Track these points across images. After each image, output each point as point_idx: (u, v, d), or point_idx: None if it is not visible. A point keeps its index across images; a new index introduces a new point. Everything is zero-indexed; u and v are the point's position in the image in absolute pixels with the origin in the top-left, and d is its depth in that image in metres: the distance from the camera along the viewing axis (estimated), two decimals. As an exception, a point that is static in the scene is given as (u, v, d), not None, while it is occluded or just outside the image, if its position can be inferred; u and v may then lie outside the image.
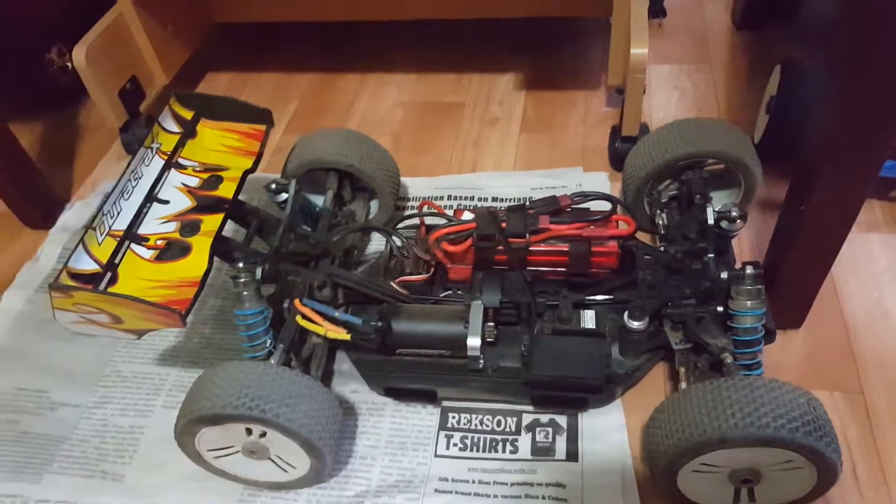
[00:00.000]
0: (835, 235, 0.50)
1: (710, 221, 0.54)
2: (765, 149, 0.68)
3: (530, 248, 0.55)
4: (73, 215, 0.78)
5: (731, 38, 0.88)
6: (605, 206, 0.56)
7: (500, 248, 0.55)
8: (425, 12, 0.86)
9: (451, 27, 0.96)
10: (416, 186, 0.74)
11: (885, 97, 0.40)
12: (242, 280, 0.49)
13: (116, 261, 0.49)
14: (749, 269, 0.48)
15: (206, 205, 0.53)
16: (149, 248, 0.50)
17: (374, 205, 0.67)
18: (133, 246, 0.50)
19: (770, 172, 0.60)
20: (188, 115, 0.60)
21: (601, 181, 0.73)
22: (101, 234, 0.51)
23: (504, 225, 0.55)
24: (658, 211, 0.61)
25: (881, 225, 0.65)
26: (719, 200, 0.60)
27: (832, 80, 0.45)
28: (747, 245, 0.65)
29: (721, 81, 0.82)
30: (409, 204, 0.73)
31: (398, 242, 0.57)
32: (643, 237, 0.60)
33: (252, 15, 0.93)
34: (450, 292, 0.56)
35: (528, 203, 0.57)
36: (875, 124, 0.42)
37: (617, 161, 0.73)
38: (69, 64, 0.87)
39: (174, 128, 0.59)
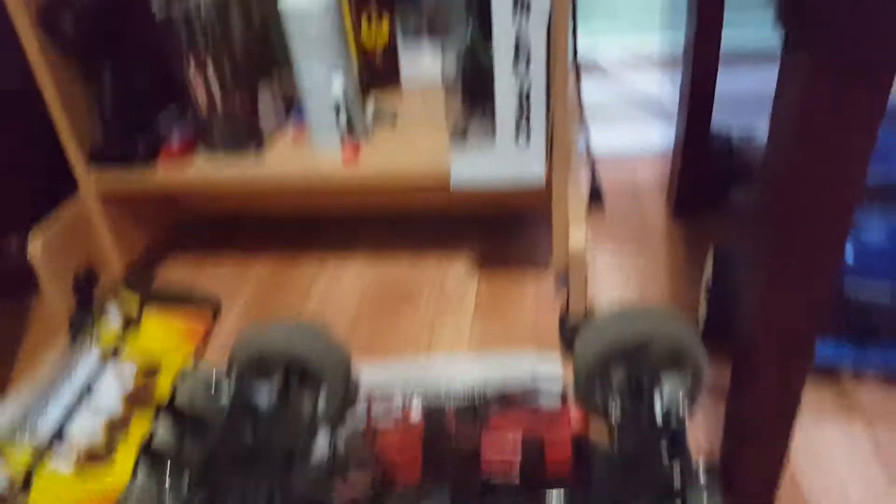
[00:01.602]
0: (782, 424, 0.48)
1: (659, 418, 0.52)
2: (709, 332, 0.69)
3: (480, 451, 0.52)
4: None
5: (669, 225, 0.92)
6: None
7: (449, 449, 0.52)
8: (382, 210, 0.89)
9: (407, 218, 0.99)
10: (370, 373, 0.72)
11: (800, 288, 0.41)
12: (168, 490, 0.45)
13: (31, 478, 0.44)
14: (703, 472, 0.45)
15: (137, 406, 0.50)
16: (69, 457, 0.46)
17: (323, 396, 0.64)
18: (53, 456, 0.46)
19: (719, 355, 0.60)
20: (134, 304, 0.58)
21: (554, 366, 0.71)
22: (21, 443, 0.46)
23: (454, 425, 0.52)
24: (609, 399, 0.59)
25: (835, 411, 0.64)
26: (670, 384, 0.58)
27: (752, 270, 0.45)
28: (703, 430, 0.63)
29: (663, 265, 0.85)
30: (361, 393, 0.70)
31: (342, 443, 0.54)
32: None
33: (215, 207, 0.96)
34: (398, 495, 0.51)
35: (478, 401, 0.55)
36: (793, 314, 0.42)
37: (568, 344, 0.73)
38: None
39: (117, 321, 0.58)
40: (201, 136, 0.80)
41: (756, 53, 0.97)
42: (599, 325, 0.62)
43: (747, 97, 1.01)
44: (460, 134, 0.70)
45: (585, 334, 0.64)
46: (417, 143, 0.79)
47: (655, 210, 0.95)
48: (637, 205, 0.96)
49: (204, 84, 0.76)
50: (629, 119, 1.06)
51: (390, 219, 1.00)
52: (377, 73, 0.91)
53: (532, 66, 0.62)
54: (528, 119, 0.65)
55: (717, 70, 0.78)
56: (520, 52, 0.61)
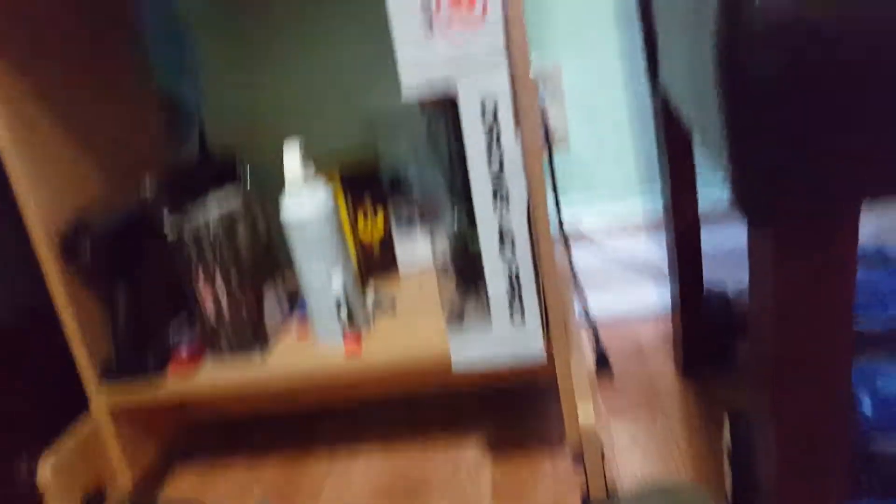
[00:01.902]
0: None
1: None
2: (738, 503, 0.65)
3: None
4: None
5: (679, 387, 0.90)
6: None
7: None
8: (388, 395, 0.89)
9: (414, 403, 0.98)
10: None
11: (811, 451, 0.40)
12: None
13: None
14: None
15: None
16: None
17: None
18: None
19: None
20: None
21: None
22: None
23: None
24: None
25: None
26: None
27: (759, 439, 0.44)
28: None
29: (679, 433, 0.82)
30: None
31: None
32: None
33: (227, 411, 0.96)
34: None
35: None
36: (810, 484, 0.40)
37: (593, 528, 0.69)
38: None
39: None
40: (209, 343, 0.83)
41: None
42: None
43: (737, 251, 1.04)
44: (456, 318, 0.72)
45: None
46: (417, 329, 0.81)
47: (664, 372, 0.94)
48: (645, 368, 0.95)
49: (212, 294, 0.79)
50: (624, 283, 1.08)
51: (397, 403, 0.99)
52: (375, 262, 0.95)
53: (517, 248, 0.65)
54: (520, 299, 0.67)
55: (699, 229, 0.81)
56: (504, 237, 0.65)
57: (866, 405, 0.62)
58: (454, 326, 0.71)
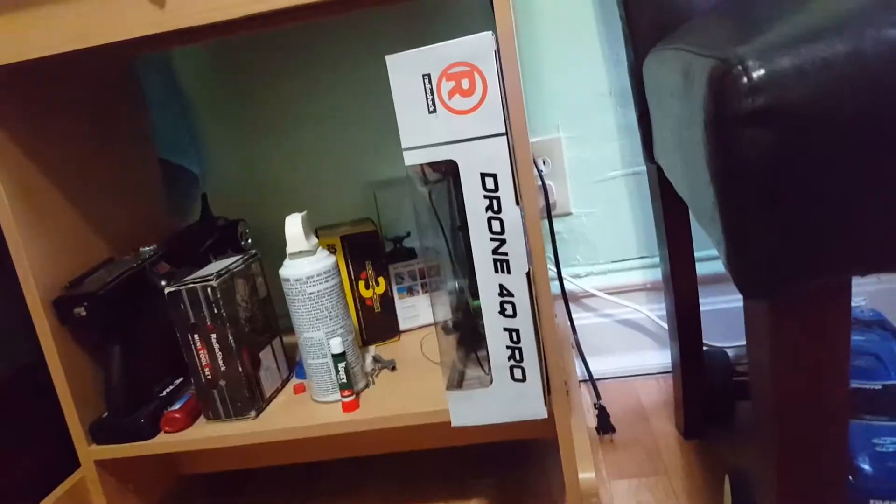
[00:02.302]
0: None
1: None
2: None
3: None
4: None
5: (680, 446, 0.90)
6: None
7: None
8: (387, 447, 0.89)
9: (413, 458, 0.97)
10: None
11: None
12: None
13: None
14: None
15: None
16: None
17: None
18: None
19: None
20: None
21: None
22: None
23: None
24: None
25: None
26: None
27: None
28: None
29: (680, 491, 0.81)
30: None
31: None
32: None
33: (218, 465, 0.94)
34: None
35: None
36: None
37: None
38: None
39: None
40: (203, 404, 0.82)
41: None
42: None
43: (733, 312, 1.06)
44: (456, 377, 0.73)
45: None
46: (417, 386, 0.81)
47: (665, 431, 0.94)
48: (647, 428, 0.95)
49: (208, 355, 0.80)
50: (625, 344, 1.09)
51: (396, 458, 0.98)
52: (377, 326, 0.96)
53: (518, 309, 0.66)
54: (520, 358, 0.67)
55: (697, 293, 0.83)
56: (505, 298, 0.66)
57: (866, 465, 0.62)
58: (454, 385, 0.72)
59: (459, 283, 0.77)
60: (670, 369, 1.07)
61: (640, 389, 1.05)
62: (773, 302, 0.38)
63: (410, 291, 0.97)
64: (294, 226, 0.78)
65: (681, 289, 0.84)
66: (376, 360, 0.89)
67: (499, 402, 0.69)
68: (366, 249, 0.93)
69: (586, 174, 1.06)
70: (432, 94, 0.62)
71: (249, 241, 1.03)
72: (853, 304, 0.91)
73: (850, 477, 0.62)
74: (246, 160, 1.12)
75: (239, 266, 0.82)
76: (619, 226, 1.07)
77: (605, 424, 0.96)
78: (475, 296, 0.76)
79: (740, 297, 1.07)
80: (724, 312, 1.06)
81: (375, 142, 1.08)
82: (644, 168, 1.04)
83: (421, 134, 0.63)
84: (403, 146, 0.64)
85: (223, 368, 0.80)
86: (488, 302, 0.66)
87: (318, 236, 0.95)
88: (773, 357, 0.39)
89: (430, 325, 0.99)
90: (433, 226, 0.74)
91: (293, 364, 0.94)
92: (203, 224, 1.00)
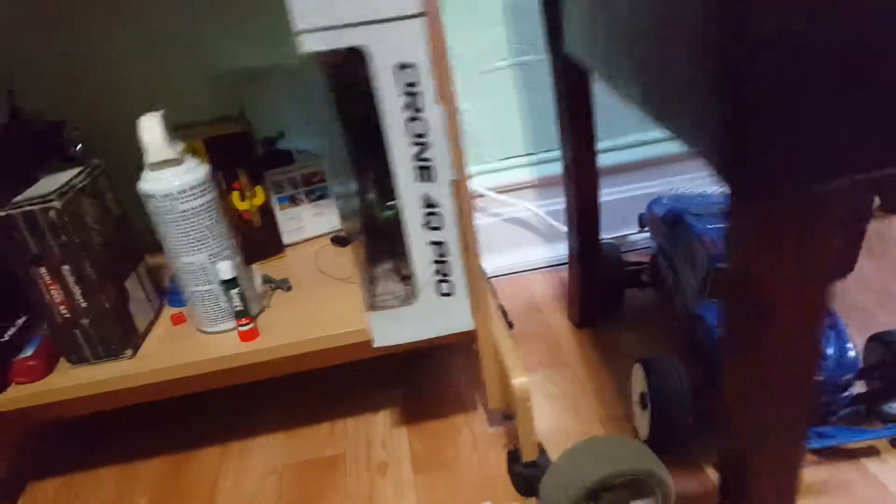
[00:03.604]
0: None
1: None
2: (655, 443, 0.69)
3: None
4: None
5: (577, 338, 0.93)
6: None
7: None
8: (284, 369, 0.83)
9: (312, 376, 0.93)
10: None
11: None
12: None
13: None
14: None
15: None
16: None
17: None
18: None
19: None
20: None
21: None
22: None
23: None
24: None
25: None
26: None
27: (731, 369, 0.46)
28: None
29: (585, 380, 0.85)
30: None
31: None
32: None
33: (78, 410, 0.83)
34: None
35: None
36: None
37: (524, 487, 0.70)
38: None
39: None
40: (64, 347, 0.70)
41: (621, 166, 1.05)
42: (563, 468, 0.61)
43: (620, 205, 1.09)
44: (375, 295, 0.68)
45: (550, 480, 0.62)
46: (320, 306, 0.75)
47: (559, 323, 0.97)
48: (542, 321, 0.98)
49: (62, 291, 0.67)
50: (513, 242, 1.09)
51: (292, 384, 0.93)
52: (258, 242, 0.86)
53: (445, 220, 0.61)
54: (448, 274, 0.64)
55: (597, 186, 0.84)
56: (430, 208, 0.61)
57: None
58: (373, 303, 0.67)
59: (365, 190, 0.70)
60: (556, 263, 1.10)
61: (531, 285, 1.07)
62: (771, 205, 0.37)
63: (293, 201, 0.88)
64: (152, 129, 0.65)
65: (582, 182, 0.83)
66: (267, 280, 0.81)
67: (424, 318, 0.66)
68: (236, 154, 0.81)
69: (471, 64, 1.00)
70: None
71: (79, 147, 0.86)
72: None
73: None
74: (64, 46, 0.91)
75: (83, 181, 0.68)
76: (506, 121, 1.03)
77: (504, 321, 0.97)
78: (382, 202, 0.70)
79: (627, 188, 1.11)
80: (609, 204, 1.09)
81: (226, 19, 0.92)
82: (529, 58, 1.00)
83: (320, 12, 0.53)
84: (298, 27, 0.53)
85: (84, 305, 0.67)
86: (411, 214, 0.61)
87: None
88: (761, 261, 0.39)
89: (319, 236, 0.92)
90: (331, 125, 0.65)
91: (161, 290, 0.82)
92: (13, 128, 0.81)
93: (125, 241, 0.74)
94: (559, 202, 1.07)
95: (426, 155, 0.58)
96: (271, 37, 0.94)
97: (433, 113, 0.57)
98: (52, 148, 0.80)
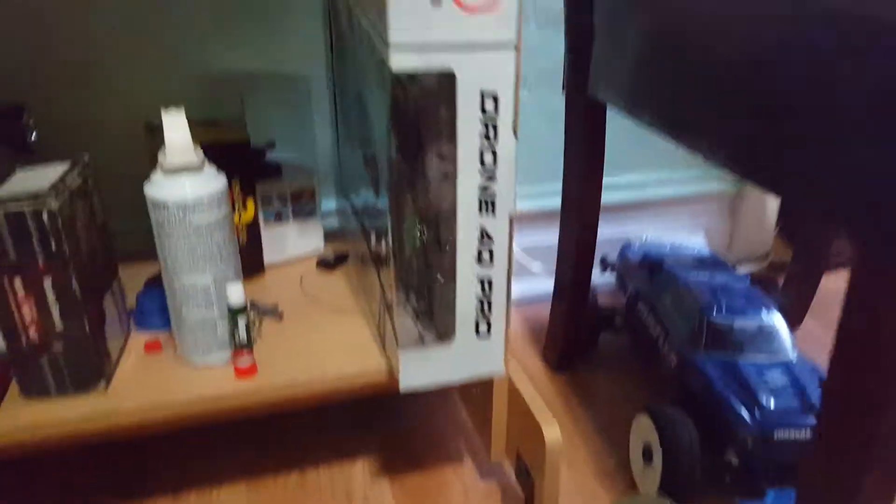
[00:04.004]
0: None
1: None
2: (667, 493, 0.70)
3: None
4: None
5: (554, 383, 0.93)
6: None
7: None
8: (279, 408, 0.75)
9: (280, 418, 0.85)
10: None
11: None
12: None
13: None
14: None
15: None
16: None
17: None
18: None
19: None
20: None
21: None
22: None
23: None
24: None
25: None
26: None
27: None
28: None
29: (573, 431, 0.85)
30: None
31: None
32: None
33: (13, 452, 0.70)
34: None
35: None
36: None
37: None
38: None
39: None
40: (21, 378, 0.59)
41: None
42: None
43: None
44: (410, 333, 0.64)
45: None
46: (317, 339, 0.70)
47: (535, 367, 0.97)
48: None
49: (35, 308, 0.56)
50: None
51: (259, 426, 0.84)
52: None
53: (496, 255, 0.59)
54: (489, 312, 0.61)
55: (597, 224, 0.85)
56: (485, 242, 0.58)
57: (764, 397, 0.72)
58: (407, 342, 0.63)
59: (395, 215, 0.66)
60: (523, 301, 1.10)
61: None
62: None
63: (279, 217, 0.82)
64: (177, 127, 0.58)
65: (584, 217, 0.84)
66: (254, 306, 0.74)
67: (458, 359, 0.63)
68: (233, 163, 0.74)
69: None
70: (443, -21, 0.49)
71: (35, 135, 0.75)
72: (698, 247, 1.03)
73: (755, 413, 0.70)
74: (26, 24, 0.80)
75: (75, 179, 0.59)
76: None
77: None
78: (414, 229, 0.67)
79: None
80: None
81: (207, 20, 0.86)
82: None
83: (417, 29, 0.50)
84: (392, 41, 0.50)
85: (60, 327, 0.57)
86: (465, 247, 0.58)
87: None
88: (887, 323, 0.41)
89: (300, 257, 0.85)
90: (379, 140, 0.61)
91: (133, 312, 0.73)
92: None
93: (106, 252, 0.64)
94: (532, 238, 1.08)
95: (492, 187, 0.56)
96: (261, 42, 0.88)
97: (506, 144, 0.55)
98: (8, 133, 0.69)
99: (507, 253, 0.59)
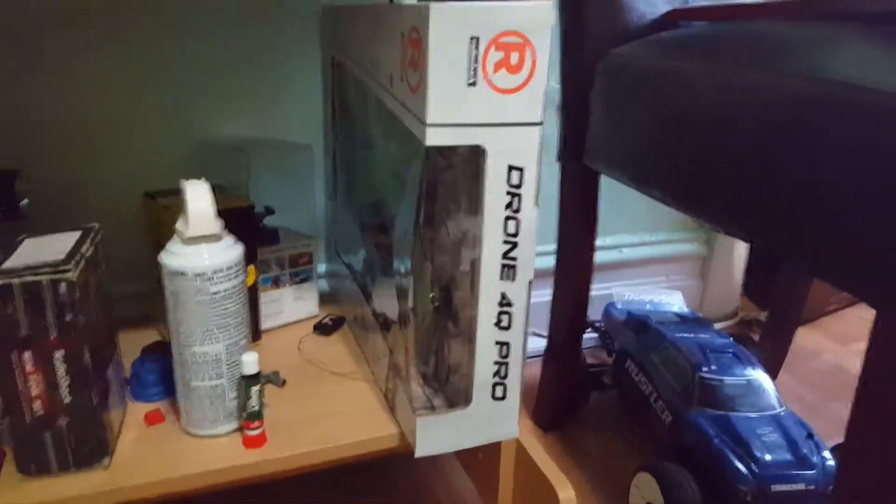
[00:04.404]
0: None
1: None
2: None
3: None
4: None
5: (546, 443, 0.95)
6: None
7: None
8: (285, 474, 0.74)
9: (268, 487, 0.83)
10: None
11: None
12: None
13: None
14: None
15: None
16: None
17: None
18: None
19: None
20: None
21: None
22: None
23: None
24: None
25: None
26: None
27: None
28: None
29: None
30: None
31: None
32: None
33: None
34: None
35: None
36: None
37: None
38: None
39: None
40: (21, 456, 0.57)
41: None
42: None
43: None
44: (413, 397, 0.65)
45: None
46: (322, 405, 0.70)
47: (525, 428, 0.97)
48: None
49: (44, 382, 0.55)
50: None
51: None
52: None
53: (515, 320, 0.61)
54: (505, 376, 0.63)
55: (590, 283, 0.88)
56: (504, 307, 0.61)
57: (760, 451, 0.75)
58: (422, 407, 0.64)
59: (414, 277, 0.67)
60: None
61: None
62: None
63: (276, 283, 0.82)
64: (201, 197, 0.59)
65: (579, 278, 0.88)
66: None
67: (474, 424, 0.64)
68: (237, 229, 0.74)
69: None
70: (476, 62, 0.53)
71: (26, 202, 0.74)
72: (677, 305, 1.07)
73: (752, 468, 0.73)
74: (22, 91, 0.80)
75: (89, 248, 0.58)
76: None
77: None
78: (426, 293, 0.68)
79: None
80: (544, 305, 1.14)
81: (208, 88, 0.87)
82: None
83: (453, 109, 0.53)
84: (429, 121, 0.53)
85: (68, 400, 0.56)
86: (486, 312, 0.60)
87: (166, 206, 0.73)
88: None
89: (296, 322, 0.85)
90: (407, 210, 0.63)
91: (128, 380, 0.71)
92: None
93: (110, 321, 0.63)
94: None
95: (513, 254, 0.59)
96: (262, 110, 0.90)
97: (529, 214, 0.58)
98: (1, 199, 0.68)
99: (525, 317, 0.62)
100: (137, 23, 0.82)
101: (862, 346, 0.46)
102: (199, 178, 0.61)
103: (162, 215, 0.73)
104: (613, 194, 1.13)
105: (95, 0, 0.80)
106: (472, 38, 0.52)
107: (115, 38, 0.82)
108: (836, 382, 1.11)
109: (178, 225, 0.59)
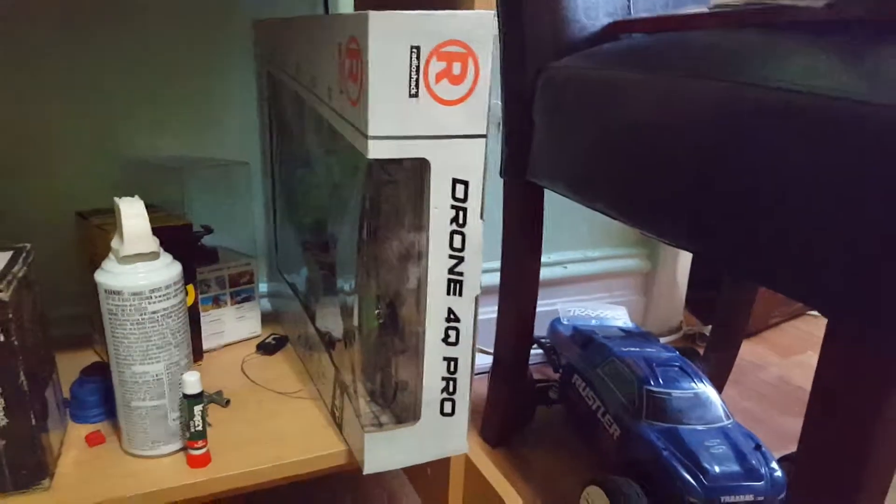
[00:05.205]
0: None
1: None
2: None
3: None
4: None
5: (494, 459, 0.98)
6: None
7: None
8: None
9: None
10: None
11: None
12: None
13: None
14: None
15: None
16: None
17: None
18: None
19: None
20: None
21: None
22: None
23: None
24: None
25: None
26: None
27: None
28: None
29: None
30: None
31: None
32: None
33: None
34: None
35: None
36: None
37: None
38: None
39: None
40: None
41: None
42: None
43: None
44: (361, 414, 0.67)
45: None
46: (267, 425, 0.71)
47: (472, 443, 1.01)
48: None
49: (-25, 404, 0.55)
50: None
51: None
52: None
53: (462, 335, 0.64)
54: (454, 392, 0.66)
55: (536, 299, 0.92)
56: (452, 322, 0.63)
57: (709, 462, 0.79)
58: (371, 424, 0.66)
59: (359, 294, 0.70)
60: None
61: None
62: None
63: (217, 302, 0.83)
64: (136, 215, 0.60)
65: (524, 294, 0.91)
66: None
67: (422, 440, 0.66)
68: (174, 248, 0.75)
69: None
70: (418, 73, 0.55)
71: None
72: (622, 320, 1.12)
73: (701, 480, 0.77)
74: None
75: (21, 268, 0.59)
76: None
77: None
78: (371, 309, 0.71)
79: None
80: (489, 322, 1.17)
81: (141, 106, 0.88)
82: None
83: (395, 121, 0.56)
84: (371, 134, 0.55)
85: (4, 423, 0.56)
86: (433, 327, 0.63)
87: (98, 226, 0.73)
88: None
89: (238, 342, 0.86)
90: (350, 226, 0.65)
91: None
92: None
93: (46, 342, 0.63)
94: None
95: (459, 269, 0.62)
96: (194, 128, 0.91)
97: (475, 229, 0.61)
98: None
99: (473, 332, 0.65)
100: (66, 41, 0.83)
101: (804, 358, 0.49)
102: (125, 195, 0.62)
103: (95, 235, 0.73)
104: (557, 211, 1.18)
105: (20, 18, 0.81)
106: (412, 48, 0.54)
107: (43, 56, 0.82)
108: (781, 394, 1.17)
109: (114, 243, 0.60)
